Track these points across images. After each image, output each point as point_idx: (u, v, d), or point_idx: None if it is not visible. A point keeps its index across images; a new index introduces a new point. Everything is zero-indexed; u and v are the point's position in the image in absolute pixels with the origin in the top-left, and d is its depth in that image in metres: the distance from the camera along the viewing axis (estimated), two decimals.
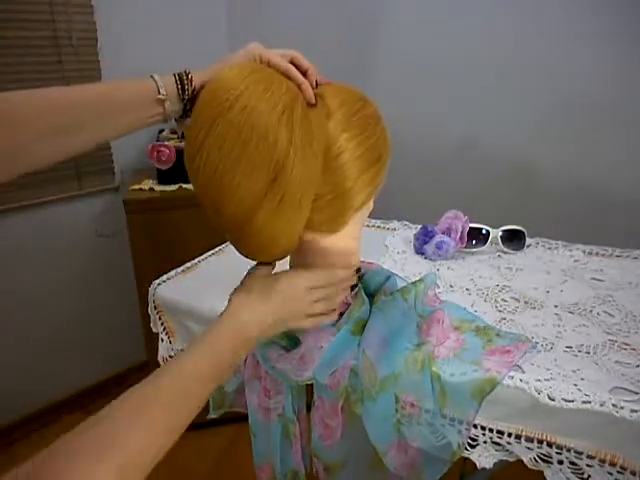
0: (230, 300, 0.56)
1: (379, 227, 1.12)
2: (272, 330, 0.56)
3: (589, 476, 0.53)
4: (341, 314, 0.63)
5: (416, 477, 0.63)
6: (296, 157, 0.50)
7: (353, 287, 0.64)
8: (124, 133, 0.56)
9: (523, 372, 0.58)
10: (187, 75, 0.57)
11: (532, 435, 0.55)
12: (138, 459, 0.40)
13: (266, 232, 0.53)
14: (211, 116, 0.50)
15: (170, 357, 0.83)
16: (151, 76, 0.56)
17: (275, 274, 0.59)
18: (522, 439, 0.56)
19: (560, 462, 0.54)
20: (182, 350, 0.50)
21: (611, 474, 0.52)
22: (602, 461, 0.52)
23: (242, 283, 0.58)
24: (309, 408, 0.68)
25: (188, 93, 0.57)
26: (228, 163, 0.49)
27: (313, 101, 0.55)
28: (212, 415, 0.77)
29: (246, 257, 0.58)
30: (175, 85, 0.56)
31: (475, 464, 0.59)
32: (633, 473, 0.51)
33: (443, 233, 0.95)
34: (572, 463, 0.54)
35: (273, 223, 0.52)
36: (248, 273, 0.59)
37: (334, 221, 0.58)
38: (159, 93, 0.55)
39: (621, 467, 0.51)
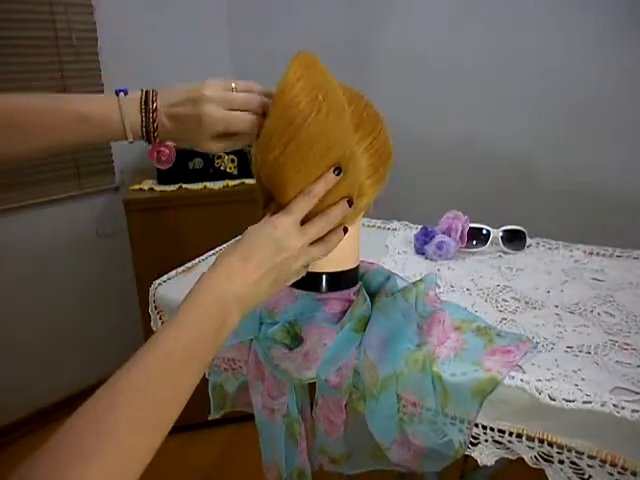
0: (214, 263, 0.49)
1: (379, 227, 1.12)
2: (258, 300, 0.50)
3: (590, 476, 0.53)
4: (344, 312, 0.63)
5: (419, 467, 0.64)
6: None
7: (354, 284, 0.64)
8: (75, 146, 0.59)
9: (524, 372, 0.58)
10: (153, 100, 0.57)
11: (533, 435, 0.55)
12: (130, 460, 0.38)
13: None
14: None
15: None
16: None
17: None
18: (523, 438, 0.56)
19: (561, 462, 0.54)
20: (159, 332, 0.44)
21: (612, 474, 0.52)
22: (603, 461, 0.52)
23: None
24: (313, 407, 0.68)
25: (150, 122, 0.57)
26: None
27: None
28: (214, 415, 0.77)
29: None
30: (139, 106, 0.57)
31: (475, 463, 0.59)
32: (634, 474, 0.51)
33: (443, 233, 0.95)
34: (573, 463, 0.54)
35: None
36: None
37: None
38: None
39: (622, 467, 0.51)
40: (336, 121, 0.51)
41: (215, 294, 0.46)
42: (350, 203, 0.54)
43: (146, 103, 0.57)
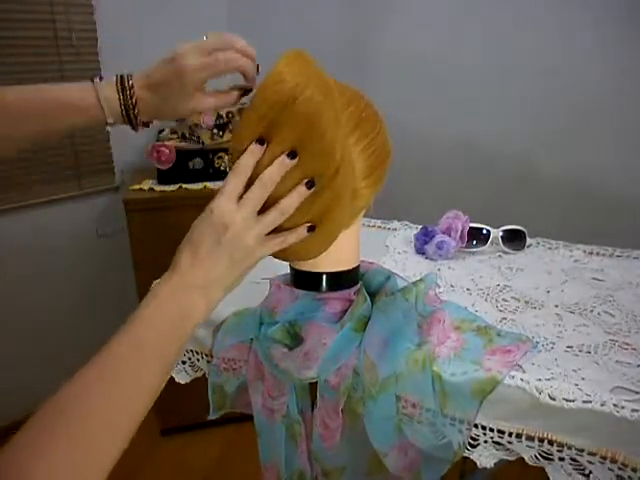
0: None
1: (380, 227, 1.12)
2: (225, 284, 0.50)
3: (590, 472, 0.53)
4: (344, 311, 0.63)
5: (416, 477, 0.63)
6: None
7: (354, 283, 0.64)
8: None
9: (524, 372, 0.58)
10: (128, 79, 0.58)
11: (533, 434, 0.55)
12: (97, 456, 0.40)
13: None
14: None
15: None
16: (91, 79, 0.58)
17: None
18: (523, 438, 0.56)
19: (561, 459, 0.55)
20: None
21: (612, 470, 0.52)
22: (603, 458, 0.52)
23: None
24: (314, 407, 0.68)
25: (128, 98, 0.58)
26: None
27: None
28: (212, 416, 0.77)
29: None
30: (115, 90, 0.58)
31: (475, 464, 0.59)
32: (634, 470, 0.51)
33: (443, 233, 0.95)
34: (573, 460, 0.54)
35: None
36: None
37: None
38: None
39: (622, 464, 0.51)
40: (323, 104, 0.48)
41: (171, 289, 0.48)
42: (310, 185, 0.50)
43: (122, 82, 0.58)
